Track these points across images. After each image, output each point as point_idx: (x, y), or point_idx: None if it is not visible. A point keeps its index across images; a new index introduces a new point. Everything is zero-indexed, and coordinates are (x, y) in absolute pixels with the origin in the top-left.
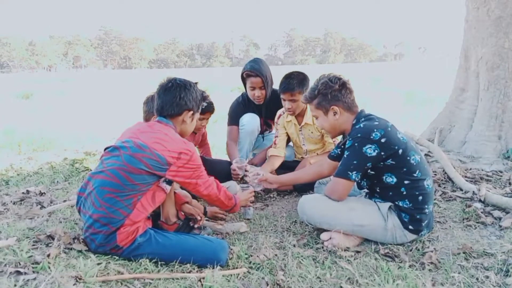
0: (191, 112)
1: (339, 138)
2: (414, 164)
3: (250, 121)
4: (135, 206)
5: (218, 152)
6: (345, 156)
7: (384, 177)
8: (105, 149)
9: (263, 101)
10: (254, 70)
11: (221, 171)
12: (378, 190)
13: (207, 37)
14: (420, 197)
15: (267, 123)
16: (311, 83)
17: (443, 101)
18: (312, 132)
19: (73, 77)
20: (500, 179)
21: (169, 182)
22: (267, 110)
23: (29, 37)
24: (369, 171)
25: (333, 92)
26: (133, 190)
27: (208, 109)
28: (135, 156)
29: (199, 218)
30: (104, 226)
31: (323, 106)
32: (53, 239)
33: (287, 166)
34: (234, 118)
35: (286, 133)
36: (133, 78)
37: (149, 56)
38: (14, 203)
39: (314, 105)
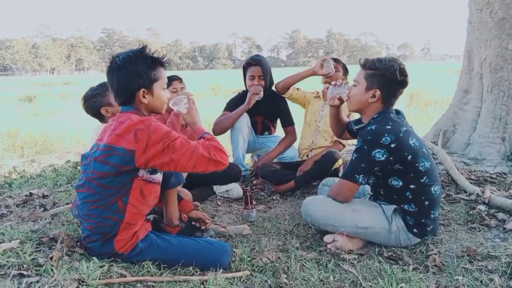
0: (142, 89)
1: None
2: (423, 170)
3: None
4: (126, 209)
5: None
6: (353, 158)
7: (390, 180)
8: None
9: (262, 94)
10: (254, 60)
11: (223, 173)
12: (382, 193)
13: (209, 39)
14: (427, 202)
15: (265, 124)
16: None
17: (446, 103)
18: None
19: (76, 80)
20: (504, 181)
21: (154, 172)
22: (266, 109)
23: (32, 40)
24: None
25: (392, 80)
26: (111, 194)
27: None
28: (98, 160)
29: (207, 221)
30: (99, 235)
31: (371, 82)
32: (56, 241)
33: (291, 166)
34: (229, 105)
35: (302, 98)
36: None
37: None
38: (17, 206)
39: (365, 73)
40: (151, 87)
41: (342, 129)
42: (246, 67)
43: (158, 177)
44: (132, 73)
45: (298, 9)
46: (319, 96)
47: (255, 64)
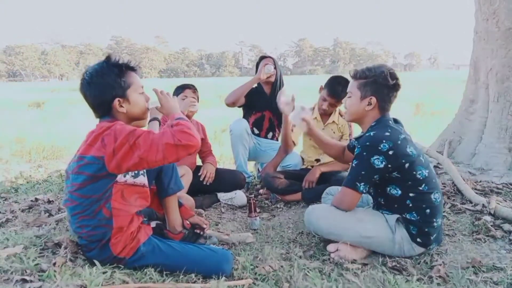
0: (117, 99)
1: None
2: (421, 178)
3: (237, 125)
4: (112, 214)
5: (226, 162)
6: (353, 165)
7: (388, 189)
8: None
9: (274, 80)
10: (267, 55)
11: (229, 180)
12: (382, 202)
13: (216, 47)
14: (428, 210)
15: (271, 122)
16: None
17: (452, 113)
18: (334, 132)
19: None
20: (510, 191)
21: (136, 175)
22: (276, 104)
23: (41, 46)
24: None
25: (384, 85)
26: (93, 203)
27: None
28: (74, 172)
29: (204, 226)
30: (94, 243)
31: (365, 90)
32: (60, 247)
33: (295, 175)
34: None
35: None
36: (144, 87)
37: (160, 65)
38: (22, 211)
39: (357, 83)
40: (125, 94)
41: (337, 151)
42: (259, 61)
43: (141, 180)
44: (102, 86)
45: (305, 18)
46: (316, 118)
47: (269, 57)
